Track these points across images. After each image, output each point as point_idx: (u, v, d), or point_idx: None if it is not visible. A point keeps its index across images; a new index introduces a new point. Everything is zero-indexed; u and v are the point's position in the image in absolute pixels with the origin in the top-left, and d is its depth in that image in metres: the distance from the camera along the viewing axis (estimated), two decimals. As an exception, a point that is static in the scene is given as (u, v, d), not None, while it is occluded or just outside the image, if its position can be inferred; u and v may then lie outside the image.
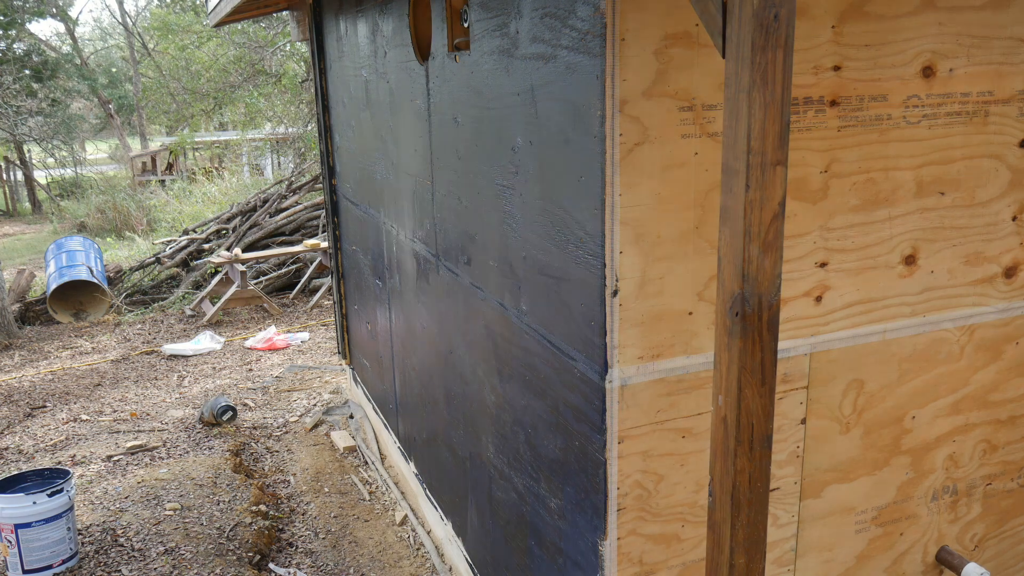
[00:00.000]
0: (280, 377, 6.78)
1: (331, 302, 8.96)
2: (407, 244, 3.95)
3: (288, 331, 8.03)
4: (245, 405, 6.15)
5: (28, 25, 21.63)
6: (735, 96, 1.50)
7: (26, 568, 3.89)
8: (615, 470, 2.24)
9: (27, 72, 20.75)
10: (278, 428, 5.77)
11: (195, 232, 10.94)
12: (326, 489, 4.84)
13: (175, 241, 10.65)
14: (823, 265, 2.35)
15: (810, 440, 2.50)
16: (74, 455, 5.26)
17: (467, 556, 3.60)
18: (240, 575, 3.96)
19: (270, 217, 10.49)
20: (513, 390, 2.80)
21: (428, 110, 3.33)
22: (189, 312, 8.86)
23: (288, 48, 17.38)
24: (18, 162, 21.13)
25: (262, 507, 4.57)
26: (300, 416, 5.96)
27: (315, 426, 5.75)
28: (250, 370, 7.01)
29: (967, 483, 2.83)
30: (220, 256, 8.96)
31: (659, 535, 2.35)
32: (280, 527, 4.48)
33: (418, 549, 4.14)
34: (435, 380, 3.75)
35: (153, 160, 22.47)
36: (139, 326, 8.54)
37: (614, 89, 1.98)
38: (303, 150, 17.50)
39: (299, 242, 9.85)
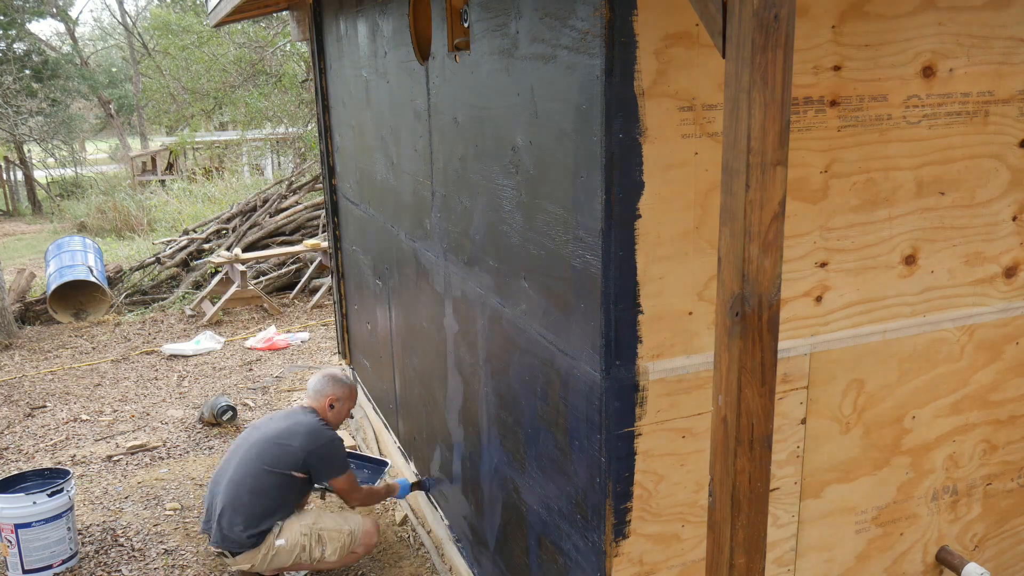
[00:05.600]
0: (280, 377, 6.78)
1: (331, 302, 8.96)
2: (407, 244, 3.95)
3: (288, 331, 8.03)
4: (245, 405, 6.15)
5: (28, 25, 21.64)
6: (735, 96, 1.50)
7: (26, 568, 3.89)
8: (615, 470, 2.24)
9: (27, 72, 20.76)
10: (278, 428, 5.76)
11: (195, 232, 10.94)
12: (326, 489, 4.84)
13: (175, 241, 10.65)
14: (823, 265, 2.35)
15: (810, 440, 2.50)
16: (74, 455, 5.26)
17: (467, 556, 3.61)
18: (240, 575, 3.96)
19: (270, 217, 10.49)
20: (513, 390, 2.80)
21: (428, 110, 3.33)
22: (189, 312, 8.86)
23: (288, 48, 17.38)
24: (18, 162, 21.13)
25: (262, 507, 4.57)
26: (300, 416, 5.95)
27: (315, 426, 5.74)
28: (250, 370, 7.01)
29: (967, 483, 2.83)
30: (220, 256, 8.96)
31: (659, 535, 2.36)
32: (280, 527, 4.47)
33: (418, 549, 4.14)
34: (435, 380, 3.75)
35: (153, 160, 22.47)
36: (139, 326, 8.54)
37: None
38: (303, 150, 17.50)
39: (299, 242, 9.85)
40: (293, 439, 3.59)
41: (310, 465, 3.60)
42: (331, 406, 3.74)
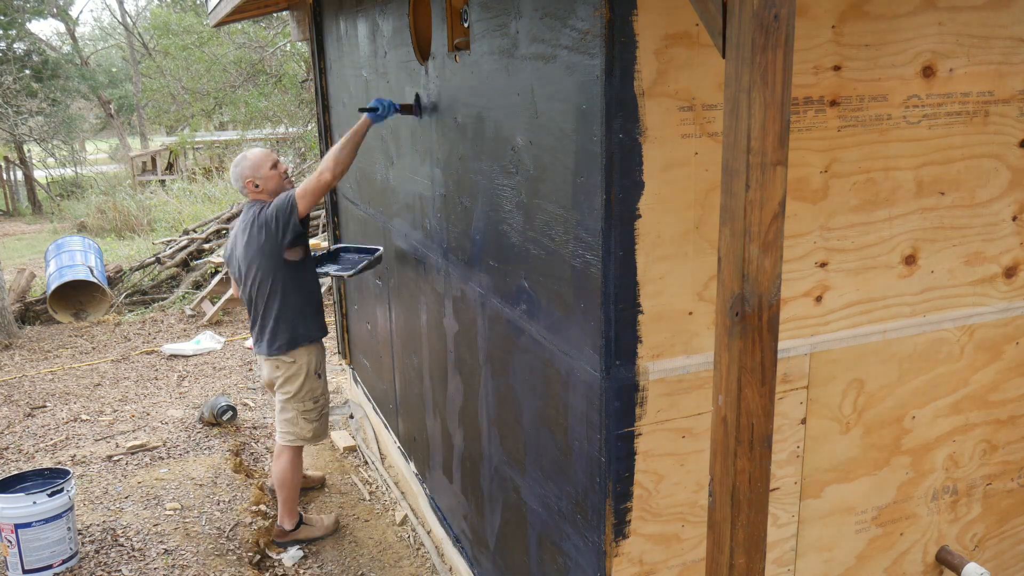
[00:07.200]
0: (280, 377, 6.78)
1: (331, 302, 8.96)
2: (407, 244, 3.95)
3: (288, 331, 8.02)
4: (245, 405, 6.15)
5: (28, 25, 21.64)
6: (735, 96, 1.50)
7: (26, 568, 3.89)
8: (615, 470, 2.24)
9: (27, 72, 20.76)
10: (278, 428, 5.76)
11: (195, 232, 10.94)
12: (326, 489, 4.84)
13: (175, 241, 10.65)
14: (823, 265, 2.35)
15: (810, 440, 2.50)
16: (74, 455, 5.26)
17: (467, 556, 3.60)
18: (240, 575, 3.97)
19: (270, 217, 10.47)
20: (513, 390, 2.80)
21: (428, 110, 3.33)
22: (189, 312, 8.86)
23: (288, 48, 17.37)
24: (18, 162, 21.12)
25: (262, 507, 4.57)
26: (300, 416, 5.94)
27: (315, 426, 5.74)
28: (250, 370, 7.01)
29: (967, 483, 2.83)
30: (220, 256, 8.95)
31: (659, 535, 2.36)
32: (280, 527, 4.47)
33: (418, 549, 4.14)
34: (435, 380, 3.75)
35: (153, 160, 22.46)
36: (139, 326, 8.54)
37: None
38: (303, 150, 17.48)
39: (299, 242, 9.83)
40: (259, 230, 3.81)
41: (278, 220, 3.75)
42: (255, 186, 3.90)
